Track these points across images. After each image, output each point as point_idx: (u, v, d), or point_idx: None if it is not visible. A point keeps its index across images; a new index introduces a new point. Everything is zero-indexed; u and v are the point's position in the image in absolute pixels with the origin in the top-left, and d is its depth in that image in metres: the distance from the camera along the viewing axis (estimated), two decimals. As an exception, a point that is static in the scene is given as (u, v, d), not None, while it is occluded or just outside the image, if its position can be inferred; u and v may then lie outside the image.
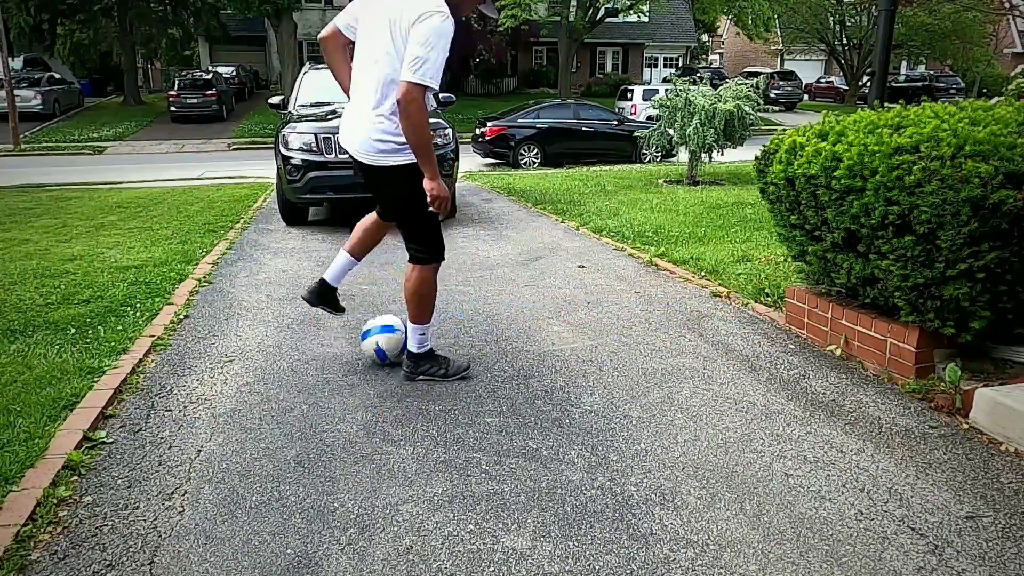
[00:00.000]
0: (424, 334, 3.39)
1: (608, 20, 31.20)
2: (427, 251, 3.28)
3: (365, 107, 3.10)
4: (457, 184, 8.44)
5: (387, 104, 3.02)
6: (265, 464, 2.68)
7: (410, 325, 3.38)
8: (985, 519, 2.32)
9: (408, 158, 3.07)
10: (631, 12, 29.82)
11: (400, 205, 3.25)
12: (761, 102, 10.78)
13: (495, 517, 2.35)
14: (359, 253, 3.56)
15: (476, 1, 3.16)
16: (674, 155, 15.78)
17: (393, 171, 3.13)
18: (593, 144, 16.72)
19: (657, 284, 5.17)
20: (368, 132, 3.09)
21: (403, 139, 3.01)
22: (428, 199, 3.06)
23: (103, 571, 2.09)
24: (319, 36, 3.35)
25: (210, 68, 31.99)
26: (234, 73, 32.19)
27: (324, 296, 3.60)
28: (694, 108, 10.23)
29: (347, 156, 3.32)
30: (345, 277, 3.65)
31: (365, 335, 3.60)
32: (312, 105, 7.82)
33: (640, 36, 38.40)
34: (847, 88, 37.42)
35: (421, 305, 3.33)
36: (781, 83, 32.96)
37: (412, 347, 3.40)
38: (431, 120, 8.45)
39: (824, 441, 2.84)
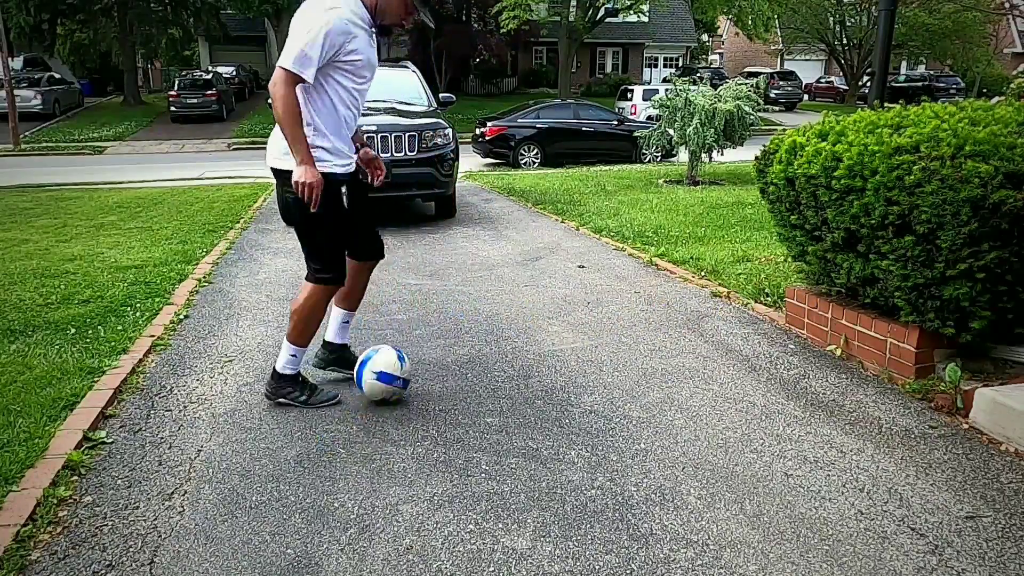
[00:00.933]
0: (296, 356, 3.11)
1: (608, 20, 31.19)
2: (323, 271, 3.04)
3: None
4: (457, 184, 8.44)
5: None
6: (265, 464, 2.68)
7: (284, 343, 3.11)
8: (985, 519, 2.32)
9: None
10: (631, 12, 29.81)
11: (293, 215, 3.02)
12: (761, 102, 10.78)
13: (495, 517, 2.35)
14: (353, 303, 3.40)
15: (403, 9, 2.98)
16: (674, 155, 15.79)
17: (281, 174, 2.96)
18: (593, 144, 16.71)
19: (657, 284, 5.17)
20: (275, 135, 3.00)
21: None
22: (293, 183, 2.83)
23: (103, 571, 2.09)
24: None
25: (210, 68, 31.97)
26: (234, 73, 32.17)
27: (336, 358, 3.44)
28: (694, 108, 10.23)
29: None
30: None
31: (360, 374, 3.17)
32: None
33: (640, 36, 38.39)
34: (847, 88, 37.41)
35: (302, 325, 3.06)
36: (781, 83, 32.95)
37: (278, 366, 3.13)
38: (431, 120, 8.43)
39: (824, 441, 2.84)
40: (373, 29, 2.97)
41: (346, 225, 3.09)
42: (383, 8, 2.95)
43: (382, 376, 3.11)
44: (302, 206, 2.90)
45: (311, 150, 2.87)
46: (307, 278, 3.09)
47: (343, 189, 3.03)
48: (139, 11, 28.49)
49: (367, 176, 3.28)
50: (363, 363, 3.15)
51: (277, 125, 2.91)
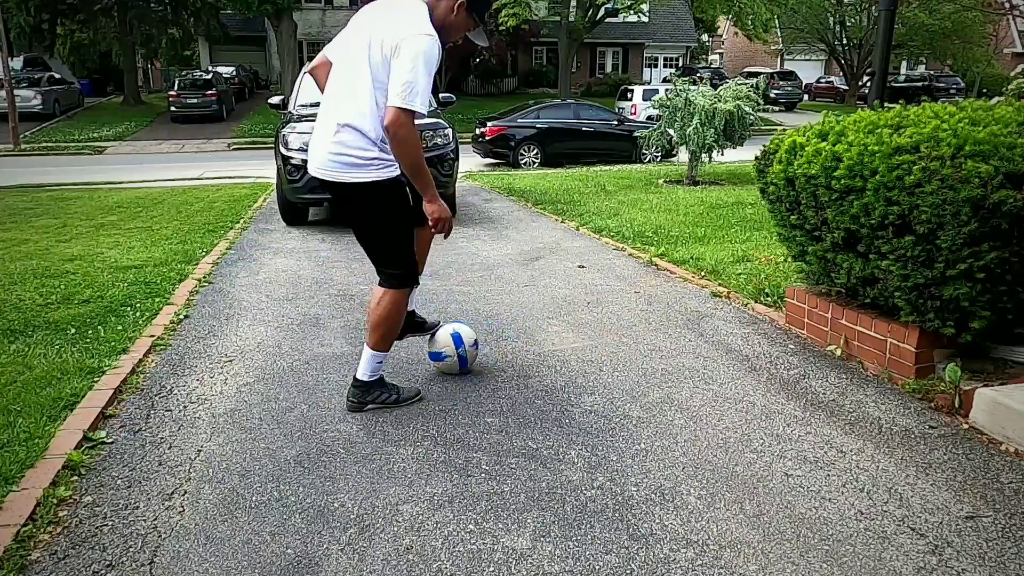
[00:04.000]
0: (380, 362, 3.13)
1: (608, 20, 31.19)
2: (400, 274, 3.04)
3: (330, 126, 2.90)
4: (457, 184, 8.44)
5: (352, 116, 2.83)
6: (265, 464, 2.68)
7: (367, 351, 3.09)
8: (985, 519, 2.32)
9: (370, 175, 2.87)
10: (631, 12, 29.80)
11: (365, 225, 3.03)
12: (761, 102, 10.77)
13: (495, 517, 2.35)
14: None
15: (464, 28, 3.00)
16: (674, 155, 15.78)
17: (353, 188, 2.91)
18: (593, 144, 16.70)
19: (657, 284, 5.17)
20: (327, 147, 2.89)
21: (364, 153, 2.84)
22: (431, 221, 2.93)
23: (103, 571, 2.09)
24: (309, 68, 3.18)
25: (210, 68, 31.97)
26: (234, 73, 32.18)
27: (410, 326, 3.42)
28: (694, 108, 10.23)
29: None
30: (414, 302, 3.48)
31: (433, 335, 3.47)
32: (312, 105, 7.80)
33: (640, 36, 38.40)
34: (847, 88, 37.40)
35: (386, 331, 3.06)
36: (781, 83, 32.94)
37: (361, 374, 3.12)
38: (431, 120, 8.40)
39: (824, 441, 2.84)
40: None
41: (412, 221, 3.07)
42: (448, 27, 2.92)
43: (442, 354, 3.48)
44: (371, 214, 2.94)
45: (378, 159, 2.86)
46: (383, 284, 3.05)
47: (407, 188, 3.02)
48: (139, 11, 28.50)
49: None
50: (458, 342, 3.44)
51: (331, 138, 2.86)
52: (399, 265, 3.04)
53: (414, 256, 3.14)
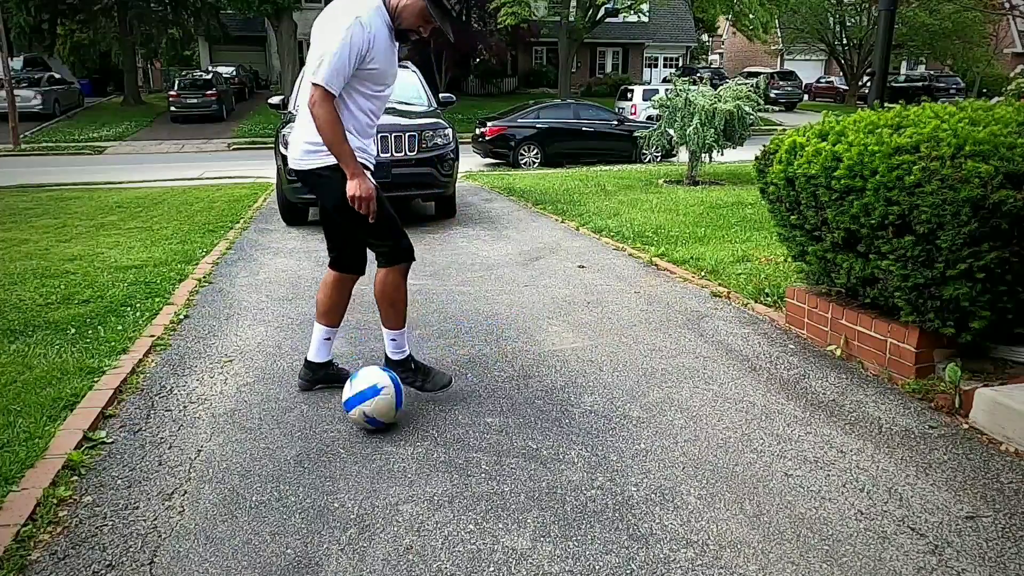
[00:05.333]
0: (397, 339, 3.20)
1: (608, 20, 31.20)
2: (391, 248, 3.07)
3: (301, 117, 3.02)
4: (457, 184, 8.44)
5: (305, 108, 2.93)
6: (265, 464, 2.68)
7: (384, 331, 3.21)
8: (985, 519, 2.32)
9: (325, 159, 2.94)
10: (631, 12, 29.80)
11: (332, 208, 3.07)
12: (761, 102, 10.77)
13: (495, 517, 2.35)
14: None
15: (421, 15, 2.96)
16: (674, 155, 15.80)
17: (312, 175, 3.00)
18: (593, 144, 16.70)
19: (657, 284, 5.17)
20: (298, 138, 3.02)
21: (317, 138, 2.90)
22: (348, 198, 2.90)
23: (103, 571, 2.09)
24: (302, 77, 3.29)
25: (210, 68, 31.96)
26: (234, 73, 32.17)
27: (323, 375, 3.36)
28: (694, 108, 10.23)
29: None
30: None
31: (348, 405, 2.92)
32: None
33: (640, 36, 38.40)
34: (847, 88, 37.41)
35: (393, 308, 3.14)
36: (781, 83, 32.95)
37: (391, 354, 3.23)
38: (431, 120, 8.41)
39: (824, 441, 2.84)
40: (393, 33, 2.97)
41: (385, 202, 3.06)
42: (400, 13, 2.95)
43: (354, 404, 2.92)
44: (337, 197, 2.96)
45: (320, 147, 2.92)
46: (381, 265, 3.12)
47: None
48: (139, 11, 28.49)
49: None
50: (364, 396, 2.89)
51: (301, 131, 2.97)
52: (384, 239, 3.07)
53: (397, 226, 3.09)
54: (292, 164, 3.08)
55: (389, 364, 3.23)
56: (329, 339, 3.32)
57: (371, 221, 2.96)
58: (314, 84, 2.79)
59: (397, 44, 3.04)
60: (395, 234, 3.09)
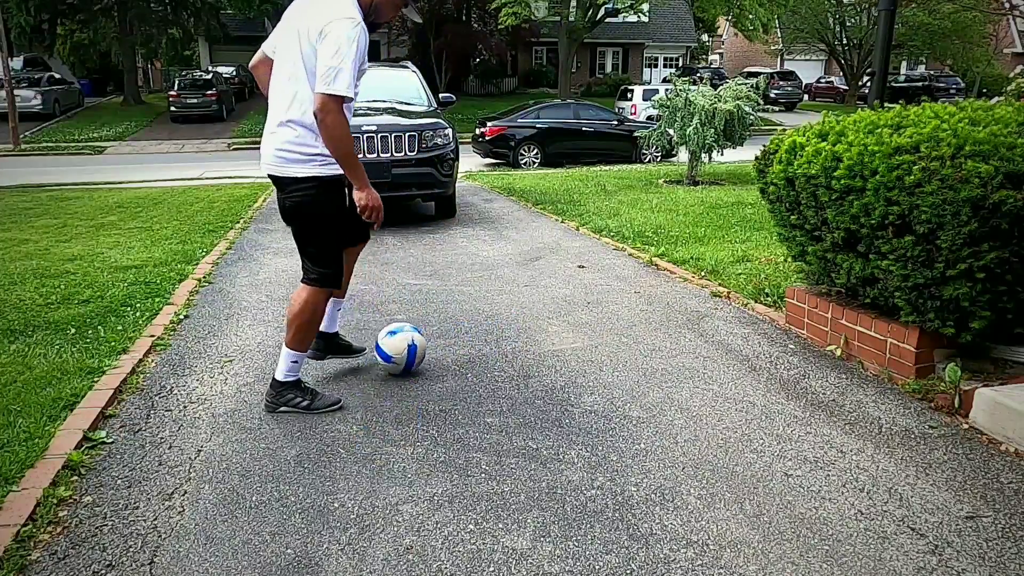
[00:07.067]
0: (297, 362, 3.12)
1: (608, 20, 31.17)
2: (322, 274, 3.05)
3: (274, 120, 2.97)
4: (457, 184, 8.44)
5: (293, 112, 2.88)
6: (265, 464, 2.68)
7: (284, 350, 3.09)
8: (985, 519, 2.32)
9: (311, 170, 2.91)
10: (631, 12, 29.80)
11: (300, 221, 3.05)
12: (761, 102, 10.77)
13: (495, 517, 2.35)
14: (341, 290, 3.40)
15: (396, 5, 3.01)
16: (674, 155, 15.79)
17: (293, 182, 2.95)
18: (593, 144, 16.70)
19: (657, 284, 5.17)
20: (272, 142, 2.96)
21: (307, 149, 2.89)
22: (359, 208, 2.93)
23: (103, 571, 2.09)
24: (250, 65, 3.23)
25: (210, 68, 31.95)
26: (234, 73, 32.13)
27: (329, 346, 3.50)
28: (694, 108, 10.23)
29: None
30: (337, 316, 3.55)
31: (392, 333, 3.46)
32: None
33: (640, 36, 38.38)
34: (847, 88, 37.40)
35: (304, 330, 3.06)
36: (781, 83, 32.92)
37: (279, 374, 3.11)
38: (431, 120, 8.40)
39: (824, 441, 2.84)
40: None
41: (346, 223, 3.10)
42: (377, 8, 2.96)
43: (380, 351, 3.47)
44: (308, 210, 2.97)
45: (321, 155, 2.90)
46: (305, 281, 3.08)
47: (345, 189, 3.04)
48: (139, 11, 28.47)
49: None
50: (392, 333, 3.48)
51: (277, 135, 2.93)
52: (326, 264, 3.06)
53: (341, 258, 3.13)
54: (275, 170, 2.98)
55: (275, 386, 3.14)
56: (338, 309, 3.51)
57: (376, 228, 3.01)
58: (327, 95, 2.71)
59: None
60: (339, 261, 3.11)
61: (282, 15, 3.06)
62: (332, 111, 2.73)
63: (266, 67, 3.13)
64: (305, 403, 3.11)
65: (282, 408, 3.11)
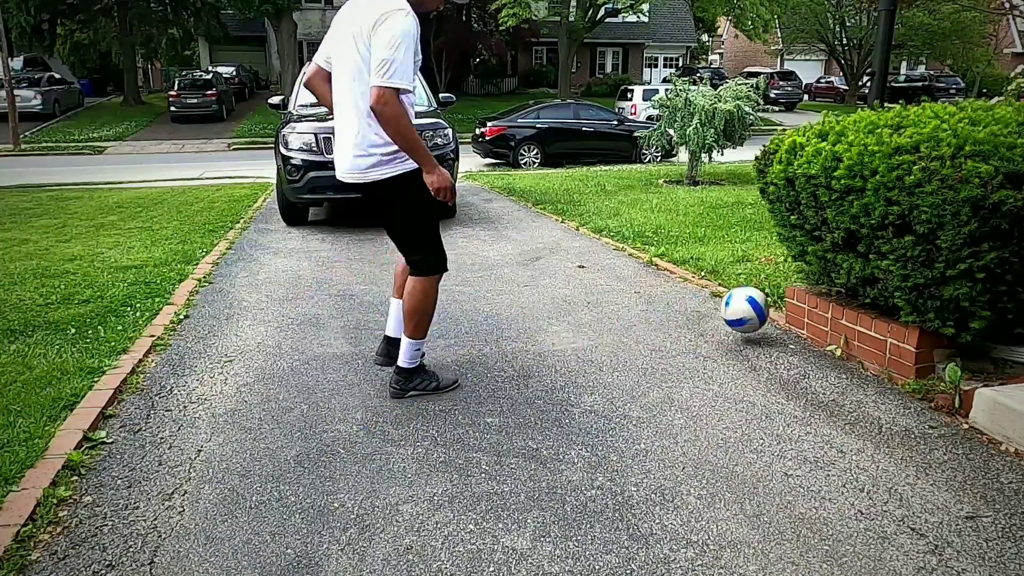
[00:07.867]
0: (420, 349, 3.25)
1: (608, 20, 31.18)
2: (429, 260, 3.14)
3: (349, 128, 3.00)
4: (457, 184, 8.44)
5: (366, 116, 2.92)
6: (265, 464, 2.68)
7: (405, 340, 3.22)
8: (985, 519, 2.32)
9: (391, 170, 2.98)
10: (631, 12, 29.81)
11: (397, 218, 3.12)
12: (761, 102, 10.77)
13: (495, 517, 2.35)
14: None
15: None
16: (674, 155, 15.79)
17: (380, 185, 3.01)
18: (593, 144, 16.70)
19: (657, 284, 5.17)
20: (351, 151, 3.00)
21: (384, 150, 2.93)
22: (431, 191, 2.97)
23: (103, 571, 2.09)
24: (303, 80, 3.21)
25: (210, 68, 31.96)
26: (234, 73, 32.17)
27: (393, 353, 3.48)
28: (694, 108, 10.23)
29: None
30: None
31: (727, 303, 3.87)
32: (312, 105, 7.79)
33: (640, 36, 38.40)
34: (847, 88, 37.40)
35: (424, 319, 3.19)
36: (781, 83, 32.93)
37: (404, 362, 3.24)
38: (431, 120, 8.42)
39: (824, 441, 2.84)
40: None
41: (436, 208, 3.13)
42: None
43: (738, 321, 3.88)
44: (403, 207, 3.04)
45: (393, 155, 2.94)
46: (416, 273, 3.16)
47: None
48: (139, 11, 28.49)
49: None
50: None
51: (353, 142, 2.96)
52: (431, 251, 3.15)
53: (441, 242, 3.21)
54: (358, 178, 3.02)
55: (401, 373, 3.26)
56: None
57: (450, 205, 3.07)
58: (383, 87, 2.71)
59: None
60: (439, 245, 3.19)
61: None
62: (390, 102, 2.74)
63: (320, 79, 3.17)
64: (433, 384, 3.28)
65: (412, 392, 3.25)
